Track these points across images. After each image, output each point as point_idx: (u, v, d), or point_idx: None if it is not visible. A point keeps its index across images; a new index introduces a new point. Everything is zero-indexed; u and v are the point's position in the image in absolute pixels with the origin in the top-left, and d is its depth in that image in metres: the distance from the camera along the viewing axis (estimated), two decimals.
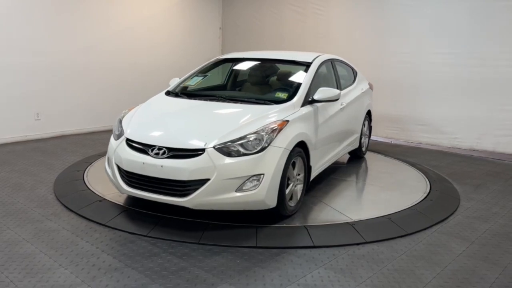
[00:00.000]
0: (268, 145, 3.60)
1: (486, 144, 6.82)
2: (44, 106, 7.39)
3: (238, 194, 3.52)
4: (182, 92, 4.80)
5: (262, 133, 3.63)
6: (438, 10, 7.01)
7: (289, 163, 3.77)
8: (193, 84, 5.04)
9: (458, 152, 7.01)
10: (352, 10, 8.09)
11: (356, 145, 5.90)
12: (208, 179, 3.46)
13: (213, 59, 5.54)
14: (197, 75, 5.18)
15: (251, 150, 3.56)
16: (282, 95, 4.36)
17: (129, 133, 3.94)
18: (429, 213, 4.23)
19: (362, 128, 6.02)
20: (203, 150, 3.53)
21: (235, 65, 5.50)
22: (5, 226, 3.73)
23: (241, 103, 4.28)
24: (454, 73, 6.94)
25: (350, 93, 5.53)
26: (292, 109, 4.08)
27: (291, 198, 3.99)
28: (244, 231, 3.68)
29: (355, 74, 6.06)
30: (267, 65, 5.33)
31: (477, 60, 6.71)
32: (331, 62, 5.31)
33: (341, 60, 5.76)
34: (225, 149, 3.54)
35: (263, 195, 3.56)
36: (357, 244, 3.55)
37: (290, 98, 4.24)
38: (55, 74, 7.47)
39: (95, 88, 8.03)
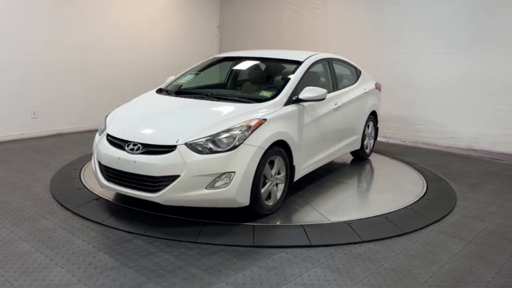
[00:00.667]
0: (241, 143, 3.59)
1: (483, 143, 6.83)
2: (40, 104, 7.36)
3: (208, 191, 3.54)
4: (172, 90, 4.89)
5: (235, 131, 3.64)
6: (436, 10, 7.01)
7: (265, 162, 3.77)
8: (184, 82, 5.09)
9: (455, 151, 7.02)
10: (350, 10, 8.09)
11: (358, 146, 5.81)
12: (178, 176, 3.50)
13: (207, 58, 5.59)
14: (190, 74, 5.25)
15: (223, 148, 3.57)
16: (267, 93, 4.36)
17: (109, 129, 4.04)
18: (425, 212, 4.24)
19: (364, 129, 5.91)
20: (174, 146, 3.57)
21: (229, 64, 5.54)
22: (1, 225, 3.72)
23: (224, 101, 4.28)
24: (452, 73, 6.95)
25: (349, 93, 5.43)
26: (272, 108, 4.06)
27: (269, 197, 3.99)
28: (241, 230, 3.68)
29: (358, 74, 5.93)
30: (261, 64, 5.31)
31: (474, 60, 6.72)
32: (328, 61, 5.26)
33: (342, 60, 5.69)
34: (196, 146, 3.56)
35: (233, 193, 3.57)
36: (354, 243, 3.55)
37: (274, 97, 4.23)
38: (52, 72, 7.44)
39: (92, 86, 8.01)
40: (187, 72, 5.29)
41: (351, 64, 5.89)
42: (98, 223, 3.78)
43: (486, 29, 6.57)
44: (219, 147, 3.58)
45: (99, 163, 3.98)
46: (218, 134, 3.62)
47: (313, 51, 5.52)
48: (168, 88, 4.95)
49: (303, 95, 4.28)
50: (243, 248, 3.40)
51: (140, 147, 3.66)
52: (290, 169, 4.20)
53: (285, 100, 4.21)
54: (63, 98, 7.60)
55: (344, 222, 3.89)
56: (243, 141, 3.61)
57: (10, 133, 7.05)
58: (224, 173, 3.54)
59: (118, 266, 3.07)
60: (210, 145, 3.57)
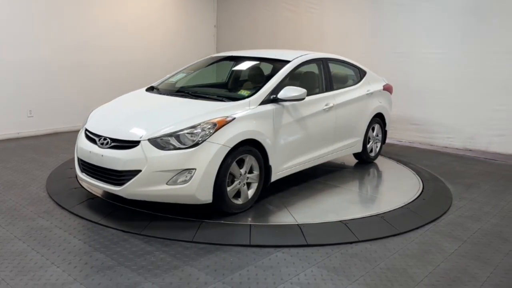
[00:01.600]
0: (203, 140, 3.64)
1: (479, 143, 6.86)
2: (37, 103, 7.34)
3: (169, 187, 3.60)
4: (162, 88, 4.97)
5: (198, 129, 3.68)
6: (431, 9, 7.03)
7: (232, 160, 3.80)
8: (174, 81, 5.15)
9: (451, 151, 7.05)
10: (345, 9, 8.10)
11: (359, 149, 5.65)
12: (140, 171, 3.58)
13: (203, 58, 5.65)
14: (182, 72, 5.35)
15: (185, 145, 3.61)
16: (245, 92, 4.39)
17: (88, 124, 4.22)
18: (421, 212, 4.25)
19: (367, 132, 5.71)
20: (138, 142, 3.65)
21: (223, 64, 5.58)
22: None
23: (201, 100, 4.30)
24: (448, 72, 6.98)
25: (347, 94, 5.30)
26: (245, 107, 4.07)
27: (239, 196, 4.01)
28: (238, 229, 3.68)
29: (361, 74, 5.75)
30: (250, 63, 5.29)
31: (470, 60, 6.75)
32: (322, 61, 5.15)
33: (342, 60, 5.59)
34: (159, 142, 3.62)
35: (193, 189, 3.61)
36: (350, 242, 3.56)
37: (251, 96, 4.24)
38: (49, 71, 7.42)
39: (89, 85, 7.98)
40: (179, 71, 5.38)
41: (353, 64, 5.74)
42: (94, 222, 3.78)
43: (482, 29, 6.59)
44: (182, 143, 3.62)
45: (77, 156, 4.21)
46: (182, 130, 3.66)
47: (310, 50, 5.54)
48: (159, 86, 5.03)
49: (281, 94, 4.25)
50: (239, 248, 3.40)
51: (109, 142, 3.79)
52: (266, 169, 4.19)
53: (261, 99, 4.20)
54: (60, 97, 7.58)
55: (340, 221, 3.90)
56: (206, 139, 3.65)
57: (6, 131, 7.03)
58: (185, 169, 3.58)
59: (115, 265, 3.06)
60: (173, 142, 3.62)
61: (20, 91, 7.11)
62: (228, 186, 3.85)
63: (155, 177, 3.57)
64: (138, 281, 2.86)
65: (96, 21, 7.98)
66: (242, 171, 3.97)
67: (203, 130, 3.67)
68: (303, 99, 4.33)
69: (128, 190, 3.65)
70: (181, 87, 4.98)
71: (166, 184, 3.59)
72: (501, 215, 4.32)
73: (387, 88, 6.16)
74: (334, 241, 3.57)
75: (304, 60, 4.88)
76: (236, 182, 3.94)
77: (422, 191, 4.87)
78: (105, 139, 3.83)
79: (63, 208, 4.10)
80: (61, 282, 2.83)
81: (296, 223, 3.82)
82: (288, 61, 4.73)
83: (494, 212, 4.41)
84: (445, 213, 4.32)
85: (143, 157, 3.58)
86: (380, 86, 5.97)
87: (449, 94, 7.02)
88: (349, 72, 5.76)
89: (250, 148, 3.96)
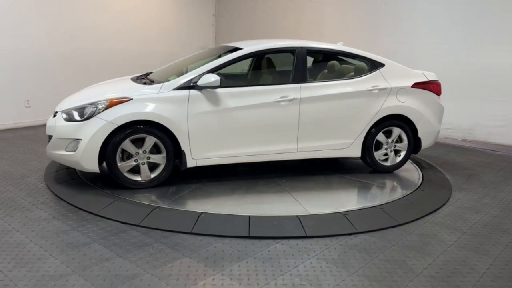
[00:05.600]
0: (93, 116, 4.07)
1: (478, 134, 6.85)
2: (34, 93, 7.29)
3: (65, 152, 4.16)
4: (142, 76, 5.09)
5: (92, 106, 4.13)
6: (432, 0, 6.98)
7: (122, 137, 4.10)
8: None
9: (450, 142, 7.03)
10: None
11: (354, 154, 4.93)
12: (52, 136, 4.28)
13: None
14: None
15: (81, 118, 4.11)
16: (173, 77, 4.44)
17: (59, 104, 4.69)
18: (421, 203, 4.24)
19: (373, 135, 4.91)
20: (57, 113, 4.38)
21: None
22: None
23: (138, 83, 4.59)
24: (447, 63, 6.94)
25: (327, 88, 4.69)
26: (155, 90, 4.24)
27: (138, 173, 4.27)
28: (237, 220, 3.67)
29: (372, 67, 4.96)
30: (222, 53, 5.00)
31: (470, 51, 6.71)
32: (296, 51, 4.69)
33: (341, 51, 5.00)
34: (66, 115, 4.22)
35: (79, 157, 4.09)
36: (349, 234, 3.55)
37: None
38: (46, 61, 7.36)
39: (86, 74, 7.92)
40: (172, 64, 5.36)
41: (360, 55, 4.99)
42: (93, 213, 3.76)
43: (482, 20, 6.54)
44: (81, 117, 4.13)
45: None
46: (82, 106, 4.17)
47: (307, 39, 5.42)
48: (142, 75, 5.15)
49: (199, 81, 4.25)
50: (238, 239, 3.39)
51: (54, 114, 4.45)
52: (180, 153, 4.31)
53: (177, 85, 4.27)
54: (57, 87, 7.52)
55: (340, 213, 3.89)
56: (96, 115, 4.06)
57: (3, 122, 6.99)
58: (74, 139, 4.09)
59: (113, 257, 3.05)
60: (75, 115, 4.15)
61: (17, 81, 7.06)
62: (123, 161, 4.19)
63: (58, 143, 4.19)
64: (136, 273, 2.85)
65: (93, 10, 7.90)
66: (140, 150, 4.21)
67: (95, 107, 4.10)
68: (218, 86, 4.23)
69: (47, 151, 4.37)
70: (151, 73, 5.09)
71: (65, 150, 4.16)
72: (501, 206, 4.31)
73: (427, 87, 5.14)
74: (333, 232, 3.56)
75: (259, 49, 4.67)
76: (132, 159, 4.22)
77: (422, 182, 4.86)
78: (56, 112, 4.45)
79: (61, 199, 4.08)
80: (59, 274, 2.81)
81: (295, 215, 3.81)
82: (238, 49, 4.61)
83: (493, 203, 4.40)
84: (444, 204, 4.31)
85: (54, 126, 4.28)
86: (407, 83, 5.01)
87: (449, 85, 6.96)
88: (348, 64, 5.19)
89: (151, 130, 4.16)
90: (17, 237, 3.31)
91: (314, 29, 8.45)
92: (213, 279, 2.82)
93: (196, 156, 4.37)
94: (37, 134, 6.68)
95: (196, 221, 3.62)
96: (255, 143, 4.54)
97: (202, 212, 3.76)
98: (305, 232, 3.51)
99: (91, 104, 4.14)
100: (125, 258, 3.03)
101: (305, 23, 8.62)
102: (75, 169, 4.84)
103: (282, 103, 4.50)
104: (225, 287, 2.74)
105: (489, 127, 6.72)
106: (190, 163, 4.36)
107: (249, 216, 3.73)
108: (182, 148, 4.29)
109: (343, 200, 4.32)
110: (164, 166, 4.31)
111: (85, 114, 4.11)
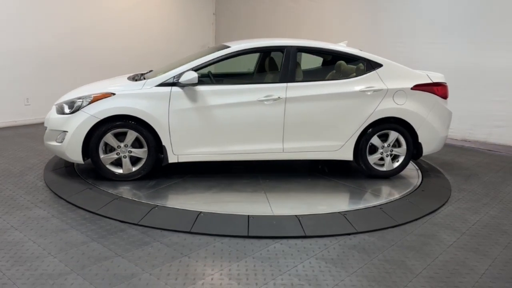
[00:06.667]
0: (78, 110, 4.30)
1: (478, 135, 6.84)
2: (34, 91, 7.28)
3: (56, 143, 4.39)
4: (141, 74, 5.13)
5: (79, 100, 4.35)
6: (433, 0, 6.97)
7: (105, 130, 4.28)
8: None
9: (450, 142, 7.02)
10: None
11: (344, 157, 4.72)
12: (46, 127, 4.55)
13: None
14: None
15: (69, 111, 4.34)
16: (158, 74, 4.55)
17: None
18: (420, 203, 4.24)
19: (367, 138, 4.70)
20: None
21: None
22: None
23: (130, 80, 4.69)
24: (448, 63, 6.91)
25: (315, 88, 4.56)
26: (138, 86, 4.37)
27: (120, 166, 4.44)
28: (236, 220, 3.66)
29: (369, 67, 4.73)
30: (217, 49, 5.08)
31: (470, 51, 6.70)
32: (286, 50, 4.61)
33: (334, 50, 4.86)
34: (59, 107, 4.47)
35: (64, 148, 4.32)
36: (348, 234, 3.55)
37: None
38: (46, 59, 7.35)
39: (86, 73, 7.90)
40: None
41: (354, 55, 4.81)
42: (91, 212, 3.76)
43: (483, 20, 6.53)
44: (70, 110, 4.35)
45: None
46: (71, 100, 4.40)
47: (306, 38, 5.39)
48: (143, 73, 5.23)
49: (181, 79, 4.31)
50: (237, 239, 3.39)
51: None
52: (161, 148, 4.42)
53: (160, 81, 4.37)
54: (57, 85, 7.49)
55: (339, 212, 3.88)
56: (82, 109, 4.28)
57: (2, 120, 6.98)
58: (62, 131, 4.33)
59: (112, 256, 3.05)
60: (65, 108, 4.39)
61: (17, 79, 7.04)
62: (106, 154, 4.39)
63: (51, 134, 4.44)
64: (135, 272, 2.85)
65: (92, 8, 7.88)
66: (122, 144, 4.37)
67: (81, 101, 4.32)
68: (195, 84, 4.31)
69: (44, 142, 4.55)
70: (150, 72, 5.14)
71: (55, 141, 4.38)
72: (500, 207, 4.31)
73: (427, 89, 4.82)
74: (332, 232, 3.55)
75: (246, 48, 4.62)
76: (114, 153, 4.39)
77: (421, 182, 4.85)
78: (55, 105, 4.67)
79: (60, 197, 4.07)
80: (57, 273, 2.81)
81: (295, 214, 3.80)
82: (228, 47, 4.63)
83: (493, 203, 4.40)
84: (444, 204, 4.31)
85: (48, 118, 4.55)
86: (407, 84, 4.73)
87: (449, 85, 6.95)
88: (347, 65, 5.01)
89: (132, 124, 4.31)
90: (15, 236, 3.30)
91: (315, 28, 8.44)
92: (212, 279, 2.82)
93: (177, 152, 4.45)
94: (36, 132, 6.67)
95: (195, 220, 3.61)
96: (239, 141, 4.52)
97: (201, 212, 3.76)
98: (304, 232, 3.51)
99: (79, 98, 4.36)
100: (124, 257, 3.03)
101: (306, 22, 8.61)
102: (74, 168, 4.85)
103: (265, 102, 4.45)
104: (224, 287, 2.73)
105: (489, 127, 6.72)
106: (172, 158, 4.45)
107: (248, 215, 3.73)
108: (163, 143, 4.39)
109: (342, 199, 4.31)
110: (146, 160, 4.45)
111: (72, 107, 4.34)
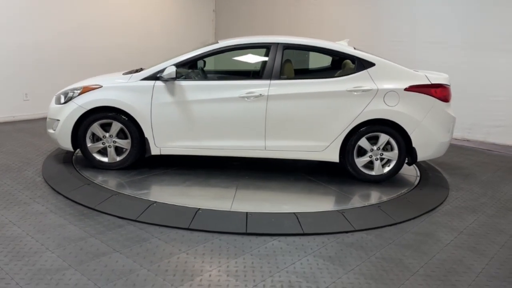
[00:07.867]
0: (69, 100, 4.57)
1: (477, 134, 6.85)
2: (32, 86, 7.27)
3: (52, 131, 4.69)
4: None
5: (72, 91, 4.61)
6: None
7: (92, 120, 4.52)
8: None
9: None
10: None
11: (330, 158, 4.57)
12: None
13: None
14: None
15: (63, 101, 4.61)
16: (147, 68, 4.66)
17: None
18: (418, 202, 4.25)
19: (354, 140, 4.52)
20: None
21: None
22: None
23: (129, 74, 4.75)
24: (446, 62, 6.92)
25: (300, 87, 4.47)
26: (125, 79, 4.58)
27: (105, 155, 4.67)
28: (234, 217, 3.67)
29: (360, 66, 4.53)
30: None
31: (469, 50, 6.70)
32: (271, 47, 4.59)
33: (326, 48, 4.64)
34: (57, 97, 4.73)
35: (57, 136, 4.62)
36: (346, 232, 3.56)
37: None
38: (44, 55, 7.33)
39: (85, 68, 7.89)
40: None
41: (344, 53, 4.63)
42: (90, 208, 3.76)
43: (481, 18, 6.53)
44: (65, 100, 4.60)
45: None
46: (66, 91, 4.67)
47: (306, 36, 5.36)
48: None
49: (163, 73, 4.43)
50: (236, 235, 3.40)
51: None
52: (142, 140, 4.58)
53: (145, 75, 4.54)
54: (56, 80, 7.48)
55: (337, 210, 3.89)
56: (72, 99, 4.55)
57: (1, 115, 6.97)
58: (56, 119, 4.61)
59: (110, 251, 3.05)
60: (62, 98, 4.65)
61: (16, 74, 7.03)
62: (93, 143, 4.64)
63: (49, 122, 4.73)
64: (133, 268, 2.85)
65: (94, 4, 7.86)
66: (107, 134, 4.60)
67: (73, 92, 4.59)
68: (174, 78, 4.42)
69: (47, 130, 4.81)
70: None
71: (52, 129, 4.68)
72: (498, 206, 4.32)
73: (423, 90, 4.48)
74: (330, 230, 3.56)
75: (232, 44, 4.62)
76: (100, 142, 4.63)
77: (419, 181, 4.86)
78: None
79: (58, 193, 4.07)
80: (55, 268, 2.81)
81: (293, 212, 3.81)
82: (215, 43, 4.71)
83: (490, 203, 4.41)
84: (442, 203, 4.32)
85: (49, 107, 4.79)
86: (400, 85, 4.46)
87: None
88: (327, 62, 5.04)
89: (116, 116, 4.51)
90: (14, 231, 3.30)
91: (314, 26, 8.43)
92: (210, 275, 2.82)
93: (159, 144, 4.58)
94: (35, 127, 6.66)
95: (194, 217, 3.62)
96: (219, 137, 4.54)
97: (199, 208, 3.76)
98: (302, 230, 3.51)
99: (72, 89, 4.63)
100: (122, 253, 3.03)
101: (305, 19, 8.60)
102: (72, 163, 4.85)
103: (247, 99, 4.43)
104: (221, 283, 2.74)
105: (487, 127, 6.73)
106: (154, 150, 4.59)
107: (247, 212, 3.73)
108: (146, 135, 4.55)
109: (340, 197, 4.32)
110: (129, 151, 4.64)
111: (65, 98, 4.61)
